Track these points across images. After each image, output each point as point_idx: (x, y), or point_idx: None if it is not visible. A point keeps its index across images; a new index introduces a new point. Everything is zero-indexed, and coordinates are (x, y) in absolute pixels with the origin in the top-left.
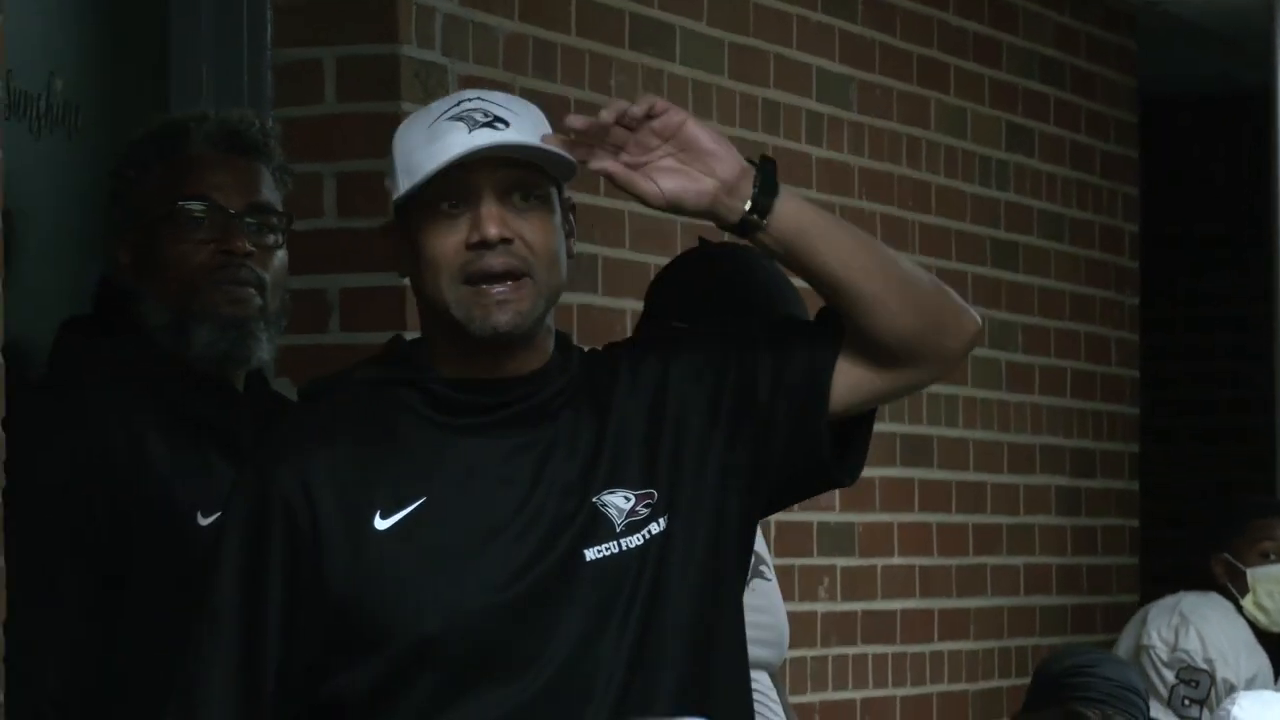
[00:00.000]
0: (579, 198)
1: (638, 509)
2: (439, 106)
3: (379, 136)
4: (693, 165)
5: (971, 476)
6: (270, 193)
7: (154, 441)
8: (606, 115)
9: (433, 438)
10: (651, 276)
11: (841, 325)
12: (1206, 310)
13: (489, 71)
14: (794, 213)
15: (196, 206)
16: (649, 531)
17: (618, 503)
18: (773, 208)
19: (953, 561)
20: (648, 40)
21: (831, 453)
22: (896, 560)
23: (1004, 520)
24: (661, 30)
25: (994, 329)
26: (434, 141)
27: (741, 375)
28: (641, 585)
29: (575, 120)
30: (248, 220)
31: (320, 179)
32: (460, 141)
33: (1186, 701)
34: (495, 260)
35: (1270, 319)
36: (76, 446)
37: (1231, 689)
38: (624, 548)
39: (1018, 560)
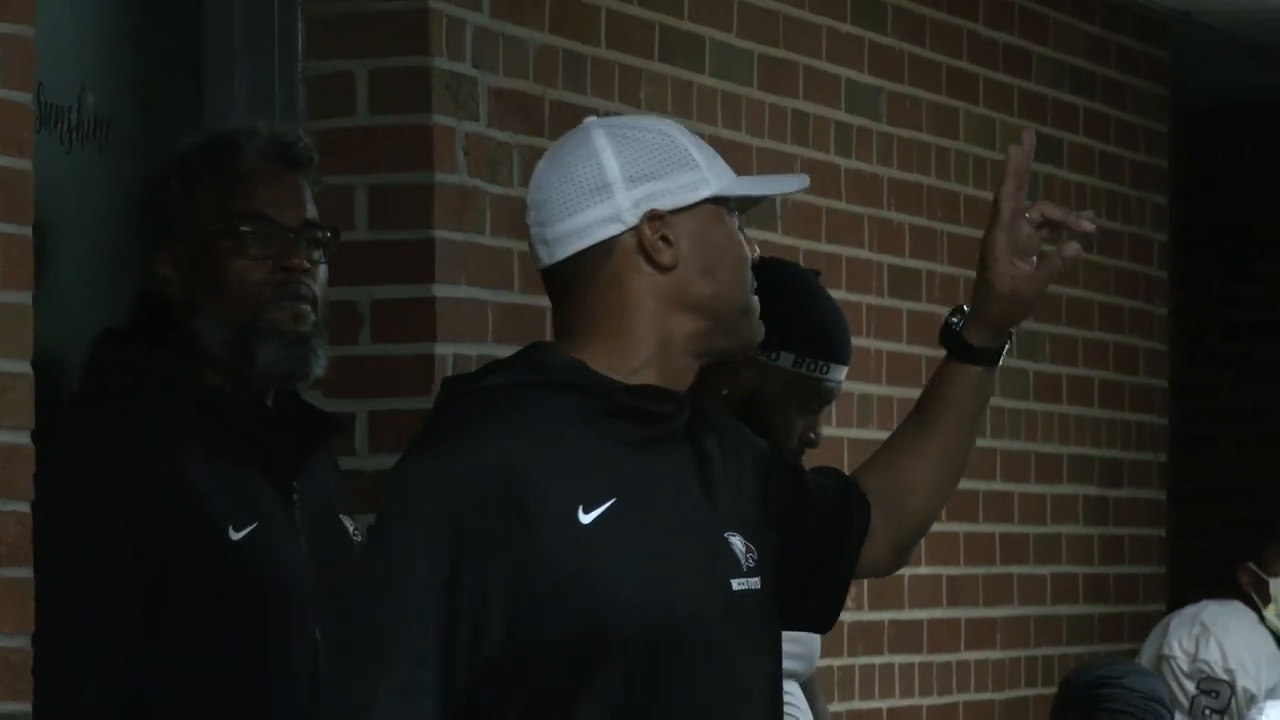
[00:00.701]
0: None
1: (748, 559)
2: (678, 131)
3: (410, 148)
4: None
5: (999, 486)
6: (313, 208)
7: (188, 454)
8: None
9: (606, 443)
10: None
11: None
12: (1239, 316)
13: (519, 84)
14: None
15: (256, 223)
16: (757, 582)
17: (738, 545)
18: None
19: (979, 571)
20: (677, 52)
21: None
22: (923, 570)
23: (1031, 530)
24: (691, 42)
25: (1022, 339)
26: (717, 160)
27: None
28: (756, 624)
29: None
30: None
31: (352, 191)
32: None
33: (1207, 712)
34: None
35: None
36: (113, 456)
37: (1252, 699)
38: (749, 586)
39: (1045, 570)
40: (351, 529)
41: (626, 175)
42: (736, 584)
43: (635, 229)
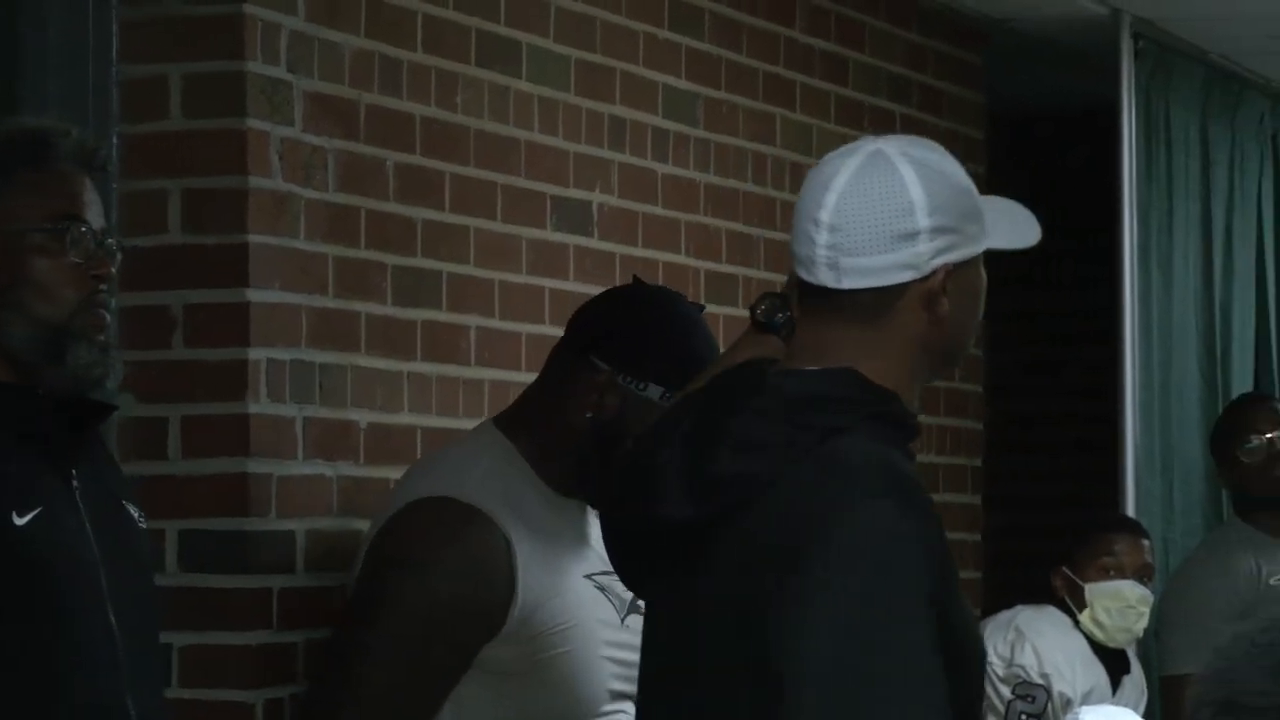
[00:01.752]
0: (424, 213)
1: None
2: (964, 173)
3: (224, 152)
4: None
5: None
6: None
7: None
8: None
9: None
10: (496, 293)
11: None
12: (1056, 325)
13: (335, 88)
14: None
15: (74, 226)
16: None
17: None
18: None
19: None
20: (494, 57)
21: None
22: None
23: None
24: (508, 47)
25: None
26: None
27: None
28: None
29: None
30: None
31: (166, 194)
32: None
33: (1024, 717)
34: None
35: (1116, 332)
36: None
37: (1068, 703)
38: None
39: None
40: (136, 515)
41: (933, 225)
42: None
43: (926, 278)
